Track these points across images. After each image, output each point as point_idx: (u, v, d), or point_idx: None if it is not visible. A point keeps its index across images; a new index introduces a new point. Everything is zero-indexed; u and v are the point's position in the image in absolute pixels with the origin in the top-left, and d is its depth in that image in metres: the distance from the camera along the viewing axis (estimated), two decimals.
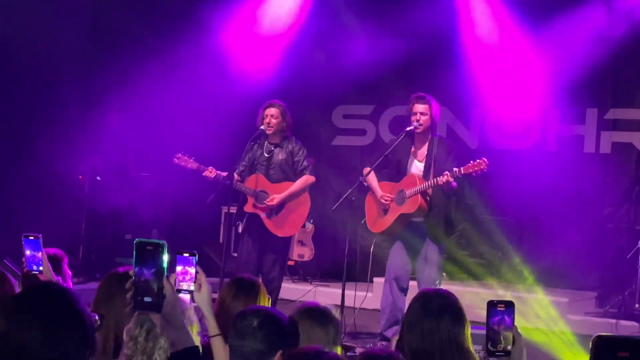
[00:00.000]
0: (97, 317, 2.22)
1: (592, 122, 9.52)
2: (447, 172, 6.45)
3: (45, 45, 9.34)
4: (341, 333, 3.37)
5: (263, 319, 2.86)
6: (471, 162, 6.41)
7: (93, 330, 2.14)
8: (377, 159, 6.94)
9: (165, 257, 2.14)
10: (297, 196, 7.19)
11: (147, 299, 2.13)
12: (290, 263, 9.90)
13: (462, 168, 6.41)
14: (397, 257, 6.87)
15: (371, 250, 6.96)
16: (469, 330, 3.18)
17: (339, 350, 3.25)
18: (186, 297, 2.85)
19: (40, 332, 2.03)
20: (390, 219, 6.86)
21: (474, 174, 6.46)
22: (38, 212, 9.11)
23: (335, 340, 3.22)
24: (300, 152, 7.17)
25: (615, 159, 9.43)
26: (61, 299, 2.10)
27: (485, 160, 6.38)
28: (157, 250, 2.13)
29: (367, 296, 7.97)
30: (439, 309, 3.14)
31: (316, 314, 3.23)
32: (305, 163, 7.17)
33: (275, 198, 7.05)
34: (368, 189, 7.09)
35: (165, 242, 2.15)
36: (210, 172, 7.08)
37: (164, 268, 2.13)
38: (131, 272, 2.15)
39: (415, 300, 3.27)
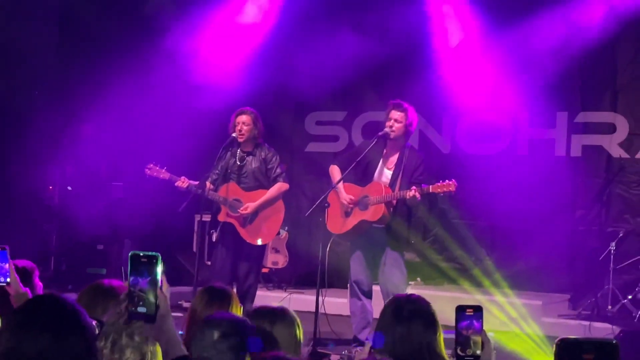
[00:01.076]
0: (95, 323, 2.23)
1: (563, 126, 9.60)
2: (414, 188, 6.47)
3: (15, 54, 9.27)
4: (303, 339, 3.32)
5: (225, 330, 2.76)
6: (440, 182, 6.45)
7: (95, 339, 2.14)
8: (347, 160, 6.92)
9: (160, 269, 2.19)
10: (271, 204, 7.17)
11: (142, 309, 2.17)
12: (265, 270, 9.87)
13: (430, 187, 6.44)
14: (357, 262, 6.89)
15: (327, 250, 6.91)
16: (441, 336, 3.17)
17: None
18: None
19: (51, 343, 2.03)
20: (351, 222, 6.85)
21: (441, 194, 6.52)
22: (8, 222, 9.03)
23: (291, 345, 3.17)
24: (274, 159, 7.15)
25: (585, 162, 9.51)
26: (66, 309, 2.11)
27: (455, 182, 6.41)
28: (152, 261, 2.18)
29: (341, 302, 7.96)
30: (410, 314, 3.14)
31: (267, 314, 3.21)
32: (278, 170, 7.15)
33: (249, 206, 7.03)
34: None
35: (159, 254, 2.20)
36: (183, 182, 7.04)
37: (158, 279, 2.18)
38: (126, 283, 2.19)
39: (387, 306, 3.26)
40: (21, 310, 2.14)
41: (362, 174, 6.89)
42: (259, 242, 7.18)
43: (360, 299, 6.86)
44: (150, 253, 2.19)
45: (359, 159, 6.77)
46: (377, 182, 6.79)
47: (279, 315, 3.22)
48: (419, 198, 6.51)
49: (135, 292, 2.17)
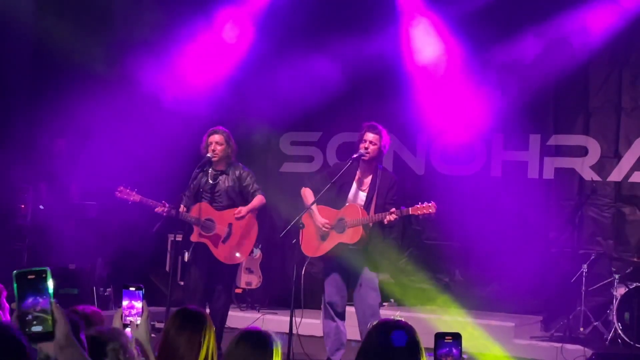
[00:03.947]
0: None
1: (535, 148, 9.67)
2: (394, 210, 6.50)
3: None
4: None
5: None
6: (419, 204, 6.48)
7: None
8: (319, 182, 6.91)
9: (50, 283, 2.09)
10: (254, 215, 7.23)
11: (37, 329, 2.08)
12: (238, 291, 9.83)
13: (410, 209, 6.49)
14: (332, 284, 6.85)
15: (302, 272, 6.89)
16: None
17: None
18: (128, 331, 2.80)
19: None
20: (328, 245, 6.82)
21: (420, 217, 6.55)
22: None
23: None
24: (249, 178, 7.19)
25: (558, 184, 9.58)
26: (15, 341, 2.00)
27: (435, 205, 6.45)
28: (40, 277, 2.08)
29: (314, 323, 7.93)
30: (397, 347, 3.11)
31: (252, 338, 3.18)
32: (255, 186, 7.21)
33: (242, 210, 7.05)
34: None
35: (48, 268, 2.10)
36: (163, 207, 7.01)
37: (50, 294, 2.08)
38: (13, 305, 2.09)
39: (372, 329, 3.23)
40: None
41: (335, 196, 6.88)
42: (233, 261, 7.16)
43: (334, 321, 6.83)
44: (38, 269, 2.09)
45: (333, 180, 6.78)
46: (354, 204, 6.80)
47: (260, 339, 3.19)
48: (397, 221, 6.58)
49: (28, 312, 2.07)
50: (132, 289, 2.86)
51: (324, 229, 6.82)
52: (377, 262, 6.83)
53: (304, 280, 6.89)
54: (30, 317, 2.07)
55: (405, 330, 3.16)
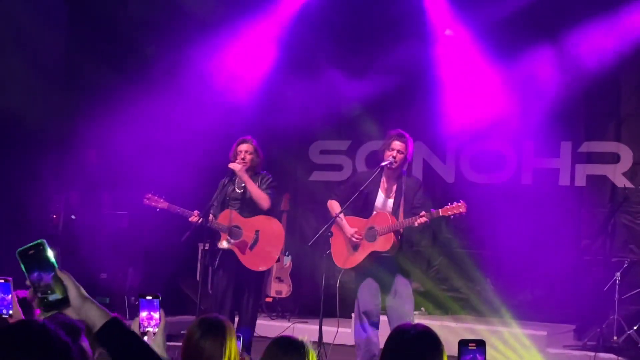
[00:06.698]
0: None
1: (567, 155, 9.59)
2: (424, 213, 6.44)
3: (22, 82, 9.30)
4: None
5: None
6: (449, 204, 6.40)
7: None
8: (346, 193, 6.88)
9: (50, 253, 2.15)
10: (279, 224, 7.24)
11: (53, 297, 2.14)
12: (268, 300, 9.84)
13: (440, 210, 6.41)
14: (366, 292, 6.79)
15: (337, 285, 6.88)
16: None
17: None
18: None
19: None
20: (361, 255, 6.77)
21: (451, 217, 6.45)
22: (12, 251, 9.01)
23: None
24: (264, 180, 7.16)
25: (590, 192, 9.49)
26: (58, 339, 2.01)
27: (464, 203, 6.36)
28: (39, 250, 2.14)
29: (345, 332, 7.92)
30: (416, 342, 3.11)
31: (284, 344, 3.19)
32: (267, 188, 7.13)
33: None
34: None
35: (44, 240, 2.16)
36: (196, 216, 7.04)
37: (53, 263, 2.14)
38: (28, 282, 2.14)
39: (392, 335, 3.23)
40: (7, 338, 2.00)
41: (362, 205, 6.86)
42: (261, 268, 7.18)
43: (366, 331, 6.75)
44: (33, 243, 2.15)
45: (361, 189, 6.75)
46: (382, 212, 6.77)
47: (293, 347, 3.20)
48: (429, 223, 6.52)
49: (40, 285, 2.13)
50: (148, 297, 2.87)
51: (354, 239, 6.77)
52: (409, 269, 6.80)
53: (332, 288, 6.88)
54: (42, 288, 2.14)
55: (427, 332, 3.15)
